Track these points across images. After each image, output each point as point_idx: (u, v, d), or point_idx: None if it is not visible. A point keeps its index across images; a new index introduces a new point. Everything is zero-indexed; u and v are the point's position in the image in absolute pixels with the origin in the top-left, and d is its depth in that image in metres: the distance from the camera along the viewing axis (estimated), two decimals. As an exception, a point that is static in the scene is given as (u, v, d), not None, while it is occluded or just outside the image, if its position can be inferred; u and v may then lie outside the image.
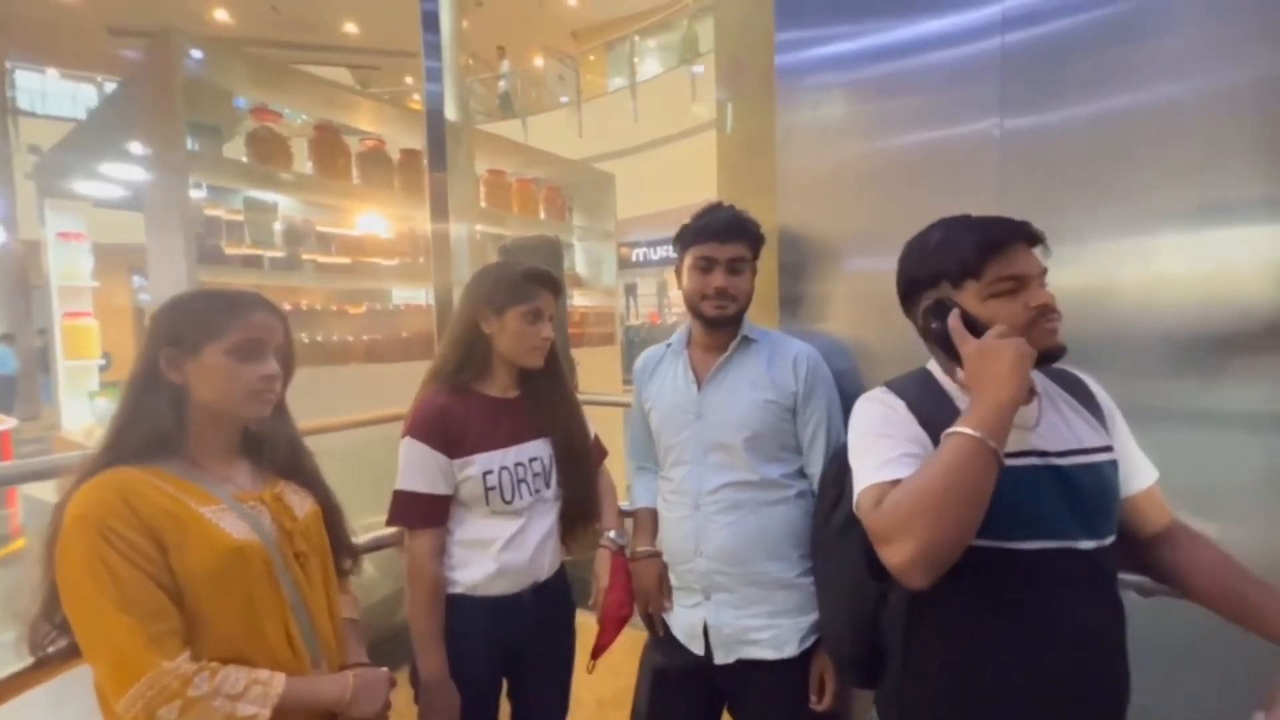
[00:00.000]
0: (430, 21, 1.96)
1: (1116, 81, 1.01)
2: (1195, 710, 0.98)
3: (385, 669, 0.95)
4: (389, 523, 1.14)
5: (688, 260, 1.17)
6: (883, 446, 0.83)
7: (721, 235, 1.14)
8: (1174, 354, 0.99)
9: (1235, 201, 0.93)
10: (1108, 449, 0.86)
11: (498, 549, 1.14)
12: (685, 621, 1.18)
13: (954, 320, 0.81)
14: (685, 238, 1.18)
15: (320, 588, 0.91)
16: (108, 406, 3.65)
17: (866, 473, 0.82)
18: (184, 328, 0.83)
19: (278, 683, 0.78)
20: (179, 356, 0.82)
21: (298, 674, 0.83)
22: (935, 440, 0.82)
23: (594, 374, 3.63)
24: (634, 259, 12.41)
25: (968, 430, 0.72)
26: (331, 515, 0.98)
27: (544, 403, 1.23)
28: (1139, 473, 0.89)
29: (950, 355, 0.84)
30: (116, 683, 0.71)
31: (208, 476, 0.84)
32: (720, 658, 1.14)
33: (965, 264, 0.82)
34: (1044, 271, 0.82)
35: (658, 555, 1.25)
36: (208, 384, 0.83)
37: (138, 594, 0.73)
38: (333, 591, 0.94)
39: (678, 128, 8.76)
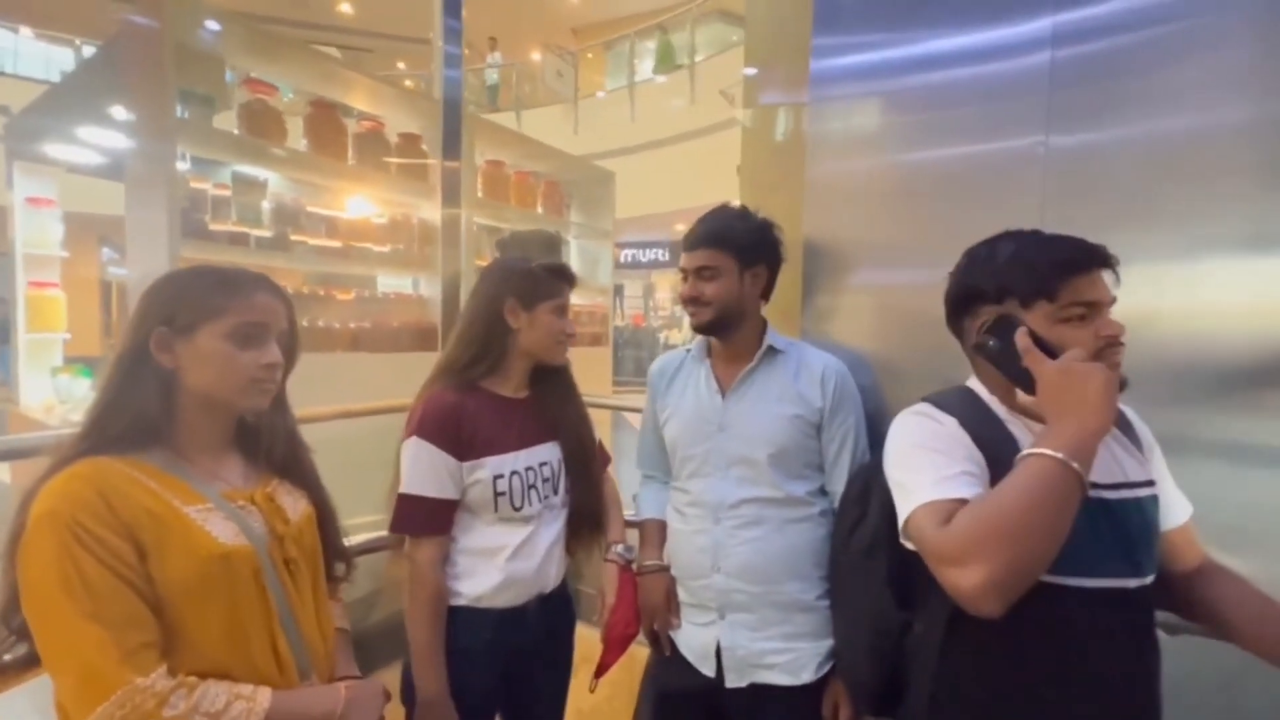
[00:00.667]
0: (452, 6, 1.87)
1: (1167, 102, 0.99)
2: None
3: (379, 682, 0.88)
4: (392, 529, 1.07)
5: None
6: (939, 463, 0.78)
7: (690, 244, 1.13)
8: (1214, 386, 0.97)
9: (1286, 233, 0.92)
10: (1150, 483, 0.83)
11: (505, 558, 1.08)
12: (697, 641, 1.13)
13: (1024, 339, 0.76)
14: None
15: (310, 596, 0.84)
16: (70, 383, 3.47)
17: (923, 489, 0.76)
18: (179, 306, 0.76)
19: (263, 698, 0.71)
20: (171, 337, 0.75)
21: (285, 688, 0.76)
22: (990, 462, 0.78)
23: (585, 375, 3.56)
24: (622, 260, 12.37)
25: (1054, 453, 0.67)
26: (326, 518, 0.91)
27: (554, 404, 1.18)
28: (1175, 508, 0.87)
29: (1010, 375, 0.80)
30: (82, 699, 0.64)
31: (195, 472, 0.78)
32: (733, 681, 1.09)
33: (1041, 284, 0.78)
34: (1113, 301, 0.79)
35: (666, 569, 1.20)
36: (202, 369, 0.76)
37: (111, 601, 0.66)
38: (323, 600, 0.87)
39: (673, 131, 8.75)
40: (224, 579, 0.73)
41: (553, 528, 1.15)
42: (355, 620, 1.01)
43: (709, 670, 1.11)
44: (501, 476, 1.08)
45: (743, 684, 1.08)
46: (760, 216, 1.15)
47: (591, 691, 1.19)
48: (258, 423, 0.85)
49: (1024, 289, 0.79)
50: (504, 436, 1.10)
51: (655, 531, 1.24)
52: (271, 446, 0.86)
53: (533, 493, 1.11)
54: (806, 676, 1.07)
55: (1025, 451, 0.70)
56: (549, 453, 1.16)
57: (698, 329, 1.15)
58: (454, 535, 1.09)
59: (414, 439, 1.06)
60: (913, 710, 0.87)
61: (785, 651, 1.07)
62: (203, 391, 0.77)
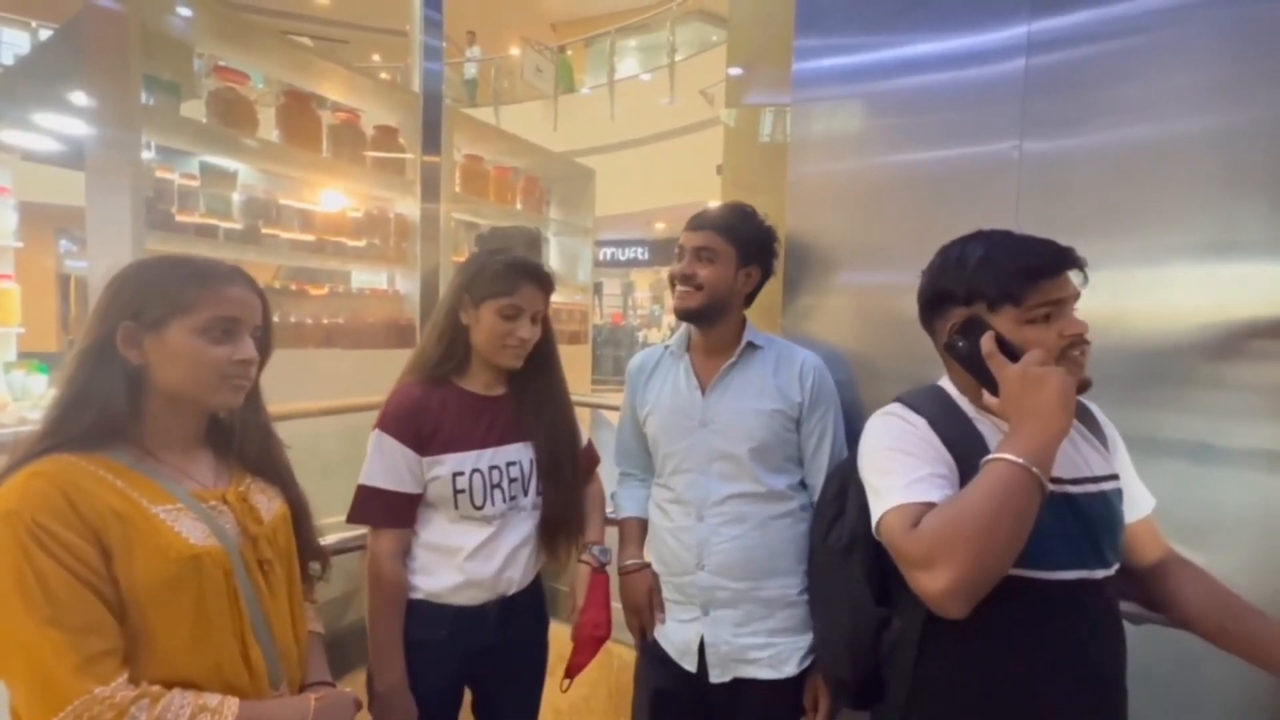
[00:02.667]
0: (433, -2, 1.84)
1: (1138, 111, 1.02)
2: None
3: (350, 692, 0.86)
4: (349, 519, 1.06)
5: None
6: (908, 466, 0.80)
7: (694, 224, 1.12)
8: (1177, 386, 1.00)
9: (1247, 240, 0.95)
10: (1114, 477, 0.86)
11: (464, 558, 1.06)
12: (679, 637, 1.13)
13: (989, 344, 0.78)
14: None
15: (284, 599, 0.82)
16: (25, 380, 3.33)
17: (893, 493, 0.79)
18: (148, 299, 0.73)
19: (229, 710, 0.69)
20: (139, 332, 0.72)
21: (254, 698, 0.74)
22: (959, 462, 0.80)
23: (565, 373, 3.55)
24: (601, 258, 12.34)
25: (1015, 458, 0.70)
26: (301, 516, 0.89)
27: (531, 403, 1.14)
28: (1139, 501, 0.90)
29: (977, 376, 0.82)
30: (38, 709, 0.62)
31: (164, 470, 0.75)
32: (716, 676, 1.09)
33: (1007, 289, 0.79)
34: (1077, 296, 0.81)
35: (647, 566, 1.20)
36: (172, 366, 0.73)
37: (71, 606, 0.63)
38: (297, 603, 0.85)
39: (654, 129, 8.75)
40: (194, 582, 0.71)
41: (519, 531, 1.11)
42: (329, 622, 0.99)
43: (690, 665, 1.11)
44: (461, 474, 1.06)
45: (725, 679, 1.09)
46: (769, 224, 1.16)
47: (564, 691, 1.19)
48: (230, 419, 0.83)
49: (991, 293, 0.81)
50: (469, 434, 1.08)
51: (636, 530, 1.24)
52: (244, 444, 0.84)
53: (497, 492, 1.08)
54: (788, 670, 1.08)
55: (988, 456, 0.73)
56: (519, 453, 1.12)
57: (682, 313, 1.13)
58: (416, 530, 1.08)
59: (376, 432, 1.06)
60: (893, 703, 0.88)
61: (768, 646, 1.08)
62: (173, 389, 0.74)
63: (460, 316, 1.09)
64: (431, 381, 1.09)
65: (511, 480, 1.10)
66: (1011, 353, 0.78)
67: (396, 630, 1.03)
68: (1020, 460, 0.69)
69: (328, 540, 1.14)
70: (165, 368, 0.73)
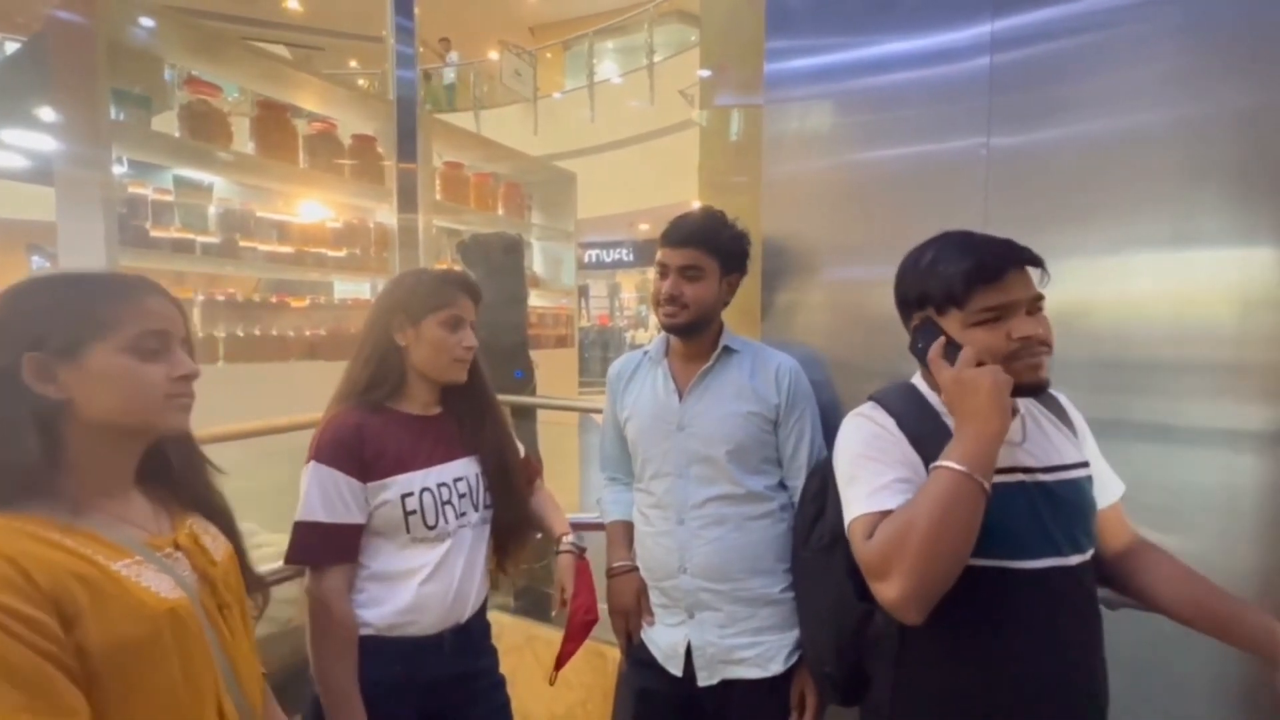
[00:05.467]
0: (403, 4, 1.83)
1: (1100, 106, 1.04)
2: (1162, 716, 1.01)
3: None
4: (289, 560, 1.00)
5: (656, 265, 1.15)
6: (872, 473, 0.82)
7: (675, 240, 1.11)
8: (1143, 372, 1.03)
9: (1207, 229, 0.98)
10: (1085, 464, 0.88)
11: (419, 581, 1.02)
12: (665, 640, 1.14)
13: (934, 350, 0.81)
14: (659, 242, 1.16)
15: (245, 642, 0.75)
16: None
17: (858, 501, 0.81)
18: (52, 324, 0.63)
19: None
20: (49, 362, 0.62)
21: None
22: (925, 458, 0.82)
23: (550, 377, 3.55)
24: (586, 260, 12.33)
25: (955, 465, 0.72)
26: (240, 549, 0.80)
27: (470, 418, 1.13)
28: (1108, 486, 0.92)
29: (931, 379, 0.84)
30: None
31: (105, 520, 0.65)
32: (704, 679, 1.10)
33: (950, 293, 0.81)
34: (1037, 298, 0.81)
35: (635, 570, 1.20)
36: (103, 395, 0.64)
37: (43, 690, 0.55)
38: (252, 643, 0.79)
39: (635, 131, 8.76)
40: (172, 638, 0.64)
41: (470, 548, 1.09)
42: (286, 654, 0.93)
43: (676, 669, 1.11)
44: (411, 495, 1.02)
45: (714, 681, 1.10)
46: (739, 226, 1.16)
47: (551, 684, 1.18)
48: (164, 452, 0.73)
49: (937, 298, 0.83)
50: (412, 454, 1.05)
51: (622, 532, 1.24)
52: (184, 478, 0.75)
53: (448, 509, 1.06)
54: (775, 668, 1.09)
55: (934, 464, 0.75)
56: (464, 468, 1.10)
57: (672, 330, 1.14)
58: (362, 562, 1.03)
59: (312, 464, 1.00)
60: (878, 698, 0.90)
61: (753, 646, 1.09)
62: (107, 421, 0.65)
63: (395, 339, 1.06)
64: (366, 407, 1.05)
65: (460, 496, 1.08)
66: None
67: (352, 675, 0.97)
68: (960, 467, 0.71)
69: (270, 568, 1.06)
70: (95, 398, 0.64)
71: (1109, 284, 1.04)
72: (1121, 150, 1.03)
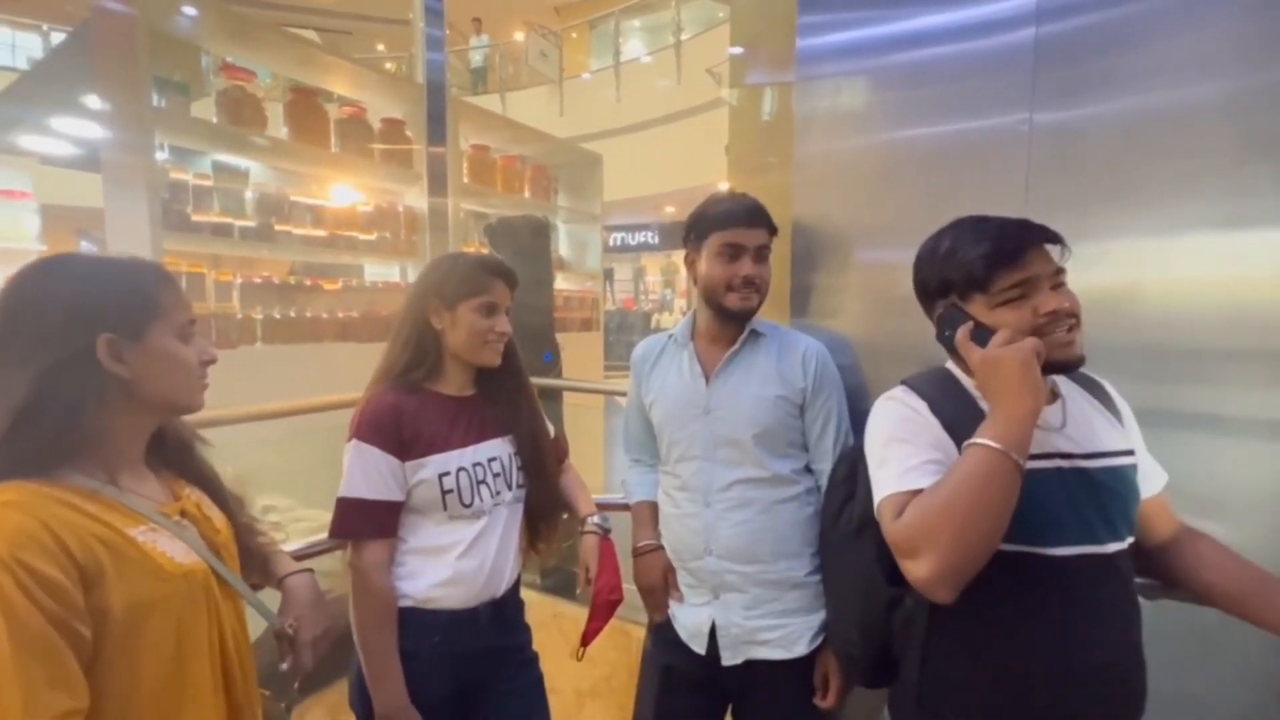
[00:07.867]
0: (433, -15, 1.83)
1: (1149, 79, 0.99)
2: (1203, 709, 0.99)
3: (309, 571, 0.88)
4: (332, 534, 1.04)
5: (709, 248, 1.12)
6: (904, 453, 0.81)
7: (749, 221, 1.10)
8: (1191, 359, 0.99)
9: (1262, 210, 0.93)
10: (1129, 452, 0.86)
11: (456, 555, 1.05)
12: (690, 620, 1.15)
13: (961, 334, 0.80)
14: (704, 225, 1.13)
15: (239, 603, 0.79)
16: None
17: (888, 481, 0.81)
18: (121, 306, 0.66)
19: None
20: (120, 344, 0.66)
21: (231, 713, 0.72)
22: (958, 442, 0.81)
23: (576, 360, 3.57)
24: (611, 244, 12.29)
25: (989, 442, 0.71)
26: (236, 520, 0.84)
27: (504, 400, 1.15)
28: (1151, 477, 0.89)
29: (964, 364, 0.83)
30: None
31: (121, 490, 0.69)
32: (728, 659, 1.11)
33: (973, 277, 0.80)
34: (1058, 271, 0.80)
35: (661, 549, 1.22)
36: (160, 374, 0.69)
37: (48, 656, 0.56)
38: (244, 612, 0.81)
39: (661, 111, 8.65)
40: (187, 600, 0.68)
41: (505, 526, 1.12)
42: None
43: (699, 648, 1.13)
44: (448, 474, 1.05)
45: (738, 661, 1.11)
46: None
47: (579, 659, 1.21)
48: (167, 426, 0.77)
49: (959, 284, 0.82)
50: (448, 434, 1.07)
51: (648, 512, 1.26)
52: (182, 451, 0.79)
53: (483, 488, 1.09)
54: (800, 650, 1.09)
55: (967, 442, 0.73)
56: (499, 448, 1.13)
57: (746, 313, 1.12)
58: (402, 537, 1.06)
59: (354, 442, 1.03)
60: (906, 682, 0.90)
61: (778, 628, 1.10)
62: (157, 399, 0.70)
63: (431, 321, 1.08)
64: (404, 388, 1.08)
65: (495, 475, 1.11)
66: (988, 338, 0.79)
67: (392, 645, 1.01)
68: (994, 444, 0.70)
69: (305, 543, 1.12)
70: (152, 378, 0.68)
71: (1157, 267, 1.00)
72: (1173, 125, 0.98)
